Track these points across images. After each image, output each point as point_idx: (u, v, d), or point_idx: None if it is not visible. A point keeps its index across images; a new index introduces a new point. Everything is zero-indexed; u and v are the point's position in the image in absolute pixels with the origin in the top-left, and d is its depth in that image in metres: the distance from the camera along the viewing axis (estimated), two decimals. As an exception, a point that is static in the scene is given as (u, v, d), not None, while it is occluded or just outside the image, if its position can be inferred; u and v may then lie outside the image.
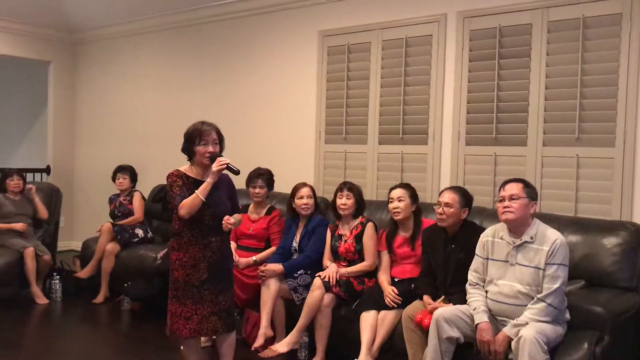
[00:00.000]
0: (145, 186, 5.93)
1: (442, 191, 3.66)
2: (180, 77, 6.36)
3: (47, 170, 7.26)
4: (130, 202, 5.61)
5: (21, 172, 5.64)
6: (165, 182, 5.51)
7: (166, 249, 4.91)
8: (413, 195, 3.95)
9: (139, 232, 5.47)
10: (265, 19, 5.59)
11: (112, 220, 5.64)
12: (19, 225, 5.33)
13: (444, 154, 4.52)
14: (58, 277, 5.36)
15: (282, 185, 4.82)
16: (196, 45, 6.20)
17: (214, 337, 3.44)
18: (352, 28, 4.97)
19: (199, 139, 3.16)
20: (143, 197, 5.72)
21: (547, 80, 4.05)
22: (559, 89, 4.02)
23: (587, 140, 3.92)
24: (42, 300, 5.18)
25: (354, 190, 4.14)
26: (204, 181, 3.16)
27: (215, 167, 3.11)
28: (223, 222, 3.17)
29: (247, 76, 5.76)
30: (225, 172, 3.20)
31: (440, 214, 3.53)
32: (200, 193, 3.09)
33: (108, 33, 7.02)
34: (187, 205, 3.09)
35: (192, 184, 3.17)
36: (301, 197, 4.31)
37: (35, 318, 4.94)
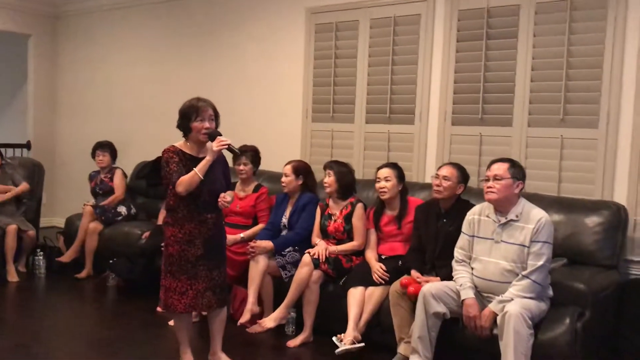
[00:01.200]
0: (128, 162, 5.89)
1: (440, 166, 3.77)
2: (163, 52, 6.29)
3: (28, 145, 7.16)
4: (111, 180, 5.55)
5: None
6: (148, 159, 5.70)
7: (150, 231, 4.91)
8: (400, 175, 4.00)
9: (122, 209, 5.45)
10: (252, -5, 5.55)
11: (93, 198, 5.60)
12: (22, 187, 5.40)
13: (430, 133, 4.56)
14: (42, 253, 5.33)
15: (269, 164, 4.84)
16: (181, 21, 6.12)
17: (204, 312, 3.47)
18: (340, 6, 4.96)
19: (195, 115, 3.15)
20: (124, 174, 5.65)
21: (534, 61, 4.10)
22: (545, 71, 4.07)
23: (572, 122, 4.00)
24: (13, 278, 5.12)
25: (334, 168, 4.16)
26: (200, 157, 3.16)
27: (216, 146, 3.11)
28: (219, 199, 3.19)
29: (233, 53, 5.72)
30: (224, 152, 3.20)
31: (437, 185, 3.61)
32: (199, 171, 3.10)
33: (90, 7, 6.89)
34: (186, 182, 3.09)
35: (189, 161, 3.17)
36: (283, 175, 4.35)
37: (19, 294, 4.91)
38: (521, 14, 4.13)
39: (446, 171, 3.63)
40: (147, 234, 4.92)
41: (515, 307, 2.92)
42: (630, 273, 3.75)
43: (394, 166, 4.03)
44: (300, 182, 4.35)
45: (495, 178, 3.17)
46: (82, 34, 7.06)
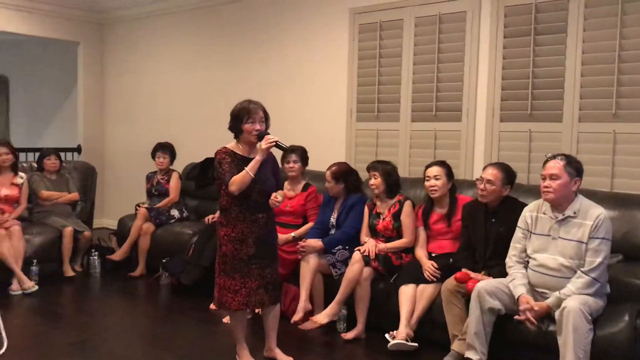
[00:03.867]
0: (175, 164, 6.01)
1: (485, 167, 3.71)
2: (208, 56, 6.41)
3: (78, 149, 7.39)
4: (168, 182, 5.69)
5: (58, 152, 5.76)
6: (195, 161, 5.82)
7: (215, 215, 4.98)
8: (449, 172, 4.00)
9: (175, 213, 5.58)
10: (296, -3, 5.62)
11: (148, 199, 5.76)
12: (73, 195, 5.57)
13: (478, 130, 4.55)
14: (97, 253, 5.49)
15: (315, 163, 4.89)
16: (226, 25, 6.23)
17: (258, 310, 3.54)
18: (384, 5, 4.98)
19: (246, 117, 3.24)
20: (180, 177, 5.77)
21: (584, 56, 4.06)
22: (595, 65, 4.02)
23: (625, 116, 3.93)
24: (69, 273, 5.33)
25: (379, 169, 4.18)
26: (251, 158, 3.24)
27: (264, 144, 3.19)
28: (271, 199, 3.26)
29: (278, 55, 5.80)
30: (272, 149, 3.27)
31: (482, 190, 3.58)
32: (250, 170, 3.17)
33: (135, 13, 7.07)
34: (238, 181, 3.17)
35: (240, 161, 3.25)
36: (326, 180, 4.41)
37: (76, 292, 5.09)
38: (570, 8, 4.09)
39: (490, 174, 3.58)
40: (211, 217, 5.04)
41: (575, 302, 2.90)
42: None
43: (443, 164, 4.03)
44: (341, 186, 4.38)
45: (552, 177, 3.15)
46: (128, 40, 7.26)
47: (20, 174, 5.33)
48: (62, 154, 6.81)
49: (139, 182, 6.15)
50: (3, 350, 3.53)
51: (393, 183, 4.20)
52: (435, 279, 3.75)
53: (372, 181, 4.17)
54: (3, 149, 5.21)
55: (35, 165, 5.71)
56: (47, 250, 5.22)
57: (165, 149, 5.75)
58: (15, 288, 4.81)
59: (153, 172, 5.86)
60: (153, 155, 5.77)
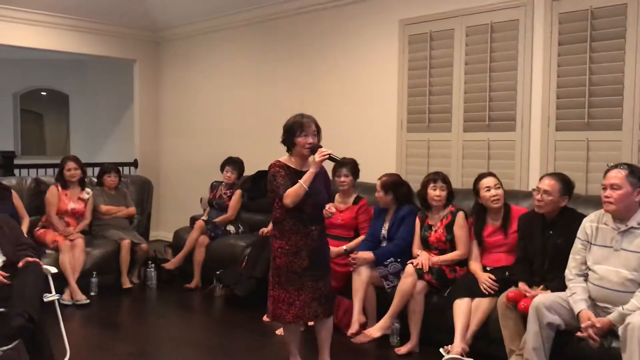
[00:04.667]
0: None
1: (542, 177, 3.64)
2: (260, 71, 6.51)
3: (135, 164, 7.62)
4: (230, 198, 5.78)
5: (117, 169, 5.95)
6: (247, 174, 5.91)
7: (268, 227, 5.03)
8: (500, 183, 3.94)
9: (231, 228, 5.69)
10: (345, 10, 5.65)
11: (207, 206, 5.88)
12: (129, 210, 5.74)
13: (533, 140, 4.45)
14: (153, 265, 5.64)
15: (366, 175, 4.88)
16: (276, 40, 6.32)
17: (311, 322, 3.55)
18: (434, 15, 4.95)
19: (299, 131, 3.27)
20: (242, 196, 5.82)
21: (644, 61, 3.93)
22: (657, 71, 3.89)
23: (689, 123, 3.78)
24: (127, 285, 5.46)
25: (447, 181, 4.15)
26: (304, 171, 3.27)
27: (318, 157, 3.21)
28: (325, 209, 3.28)
29: (328, 68, 5.84)
30: (325, 161, 3.29)
31: (539, 200, 3.50)
32: (304, 182, 3.20)
33: (189, 30, 7.27)
34: (292, 194, 3.20)
35: (293, 174, 3.29)
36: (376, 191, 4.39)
37: (133, 303, 5.23)
38: (629, 13, 3.96)
39: (547, 185, 3.49)
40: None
41: (639, 318, 2.79)
42: None
43: (494, 175, 3.97)
44: (390, 197, 4.36)
45: (613, 187, 3.05)
46: (182, 57, 7.46)
47: (87, 189, 5.53)
48: (119, 169, 7.09)
49: (194, 195, 6.30)
50: (66, 358, 3.66)
51: (451, 194, 4.16)
52: (492, 292, 3.68)
53: (439, 192, 4.11)
54: (72, 164, 5.39)
55: (95, 180, 5.91)
56: (106, 263, 5.38)
57: (235, 164, 5.85)
58: (66, 298, 4.94)
59: (219, 181, 5.96)
60: (222, 168, 5.87)
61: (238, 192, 5.81)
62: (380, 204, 4.43)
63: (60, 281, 4.94)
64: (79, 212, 5.43)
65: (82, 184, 5.49)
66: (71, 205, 5.36)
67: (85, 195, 5.47)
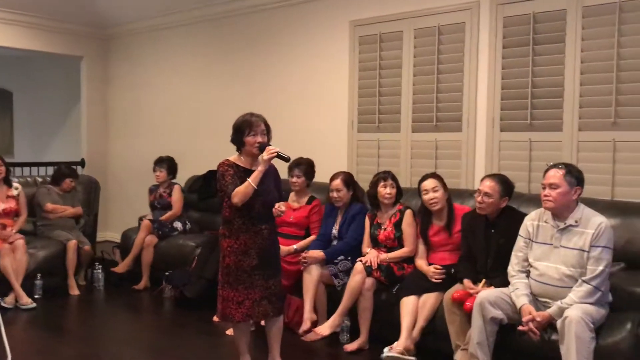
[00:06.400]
0: (178, 177, 6.03)
1: (483, 178, 3.72)
2: (212, 70, 6.46)
3: (82, 163, 7.43)
4: (170, 195, 5.73)
5: (77, 173, 5.83)
6: (198, 174, 5.85)
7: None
8: (443, 183, 4.01)
9: (178, 225, 5.61)
10: (296, 10, 5.66)
11: (151, 211, 5.79)
12: (76, 209, 5.61)
13: (479, 140, 4.56)
14: (100, 266, 5.51)
15: (317, 175, 4.90)
16: (227, 38, 6.28)
17: (262, 321, 3.55)
18: (384, 17, 5.02)
19: (248, 130, 3.27)
20: (183, 190, 5.81)
21: (582, 65, 4.07)
22: (594, 74, 4.04)
23: (624, 124, 3.94)
24: (74, 291, 5.30)
25: (396, 179, 4.22)
26: (253, 170, 3.27)
27: (266, 155, 3.21)
28: (274, 208, 3.28)
29: (279, 68, 5.84)
30: (274, 160, 3.30)
31: (480, 202, 3.60)
32: (252, 181, 3.20)
33: (139, 27, 7.14)
34: (241, 192, 3.19)
35: (243, 173, 3.28)
36: (332, 190, 4.41)
37: (80, 305, 5.10)
38: (568, 19, 4.11)
39: (488, 187, 3.58)
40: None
41: (576, 312, 2.91)
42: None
43: (437, 176, 4.04)
44: (351, 193, 4.42)
45: (551, 186, 3.16)
46: (131, 54, 7.32)
47: (15, 184, 5.32)
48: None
49: (143, 195, 6.18)
50: (7, 363, 3.55)
51: (400, 192, 4.23)
52: (441, 280, 3.75)
53: (389, 190, 4.16)
54: None
55: (40, 179, 5.73)
56: (51, 264, 5.24)
57: (162, 163, 5.79)
58: (9, 302, 4.80)
59: (155, 185, 5.89)
60: (154, 170, 5.82)
61: (177, 187, 5.77)
62: (339, 203, 4.43)
63: (5, 284, 4.82)
64: (12, 211, 5.23)
65: (7, 181, 5.28)
66: (1, 206, 5.16)
67: (13, 192, 5.28)
